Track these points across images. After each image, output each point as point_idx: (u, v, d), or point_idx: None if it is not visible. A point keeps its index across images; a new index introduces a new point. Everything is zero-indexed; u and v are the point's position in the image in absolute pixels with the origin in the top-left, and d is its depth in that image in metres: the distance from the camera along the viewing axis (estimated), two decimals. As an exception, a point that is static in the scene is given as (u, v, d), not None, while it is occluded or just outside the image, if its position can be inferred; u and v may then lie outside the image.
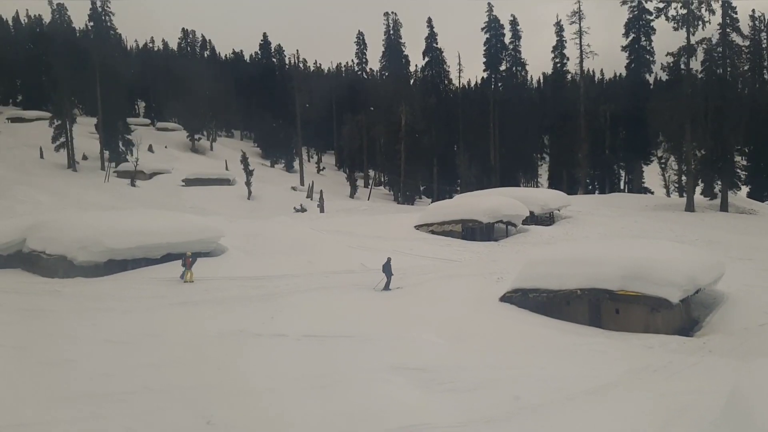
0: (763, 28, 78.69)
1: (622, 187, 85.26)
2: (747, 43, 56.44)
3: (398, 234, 42.26)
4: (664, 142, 61.79)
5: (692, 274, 23.89)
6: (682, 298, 23.16)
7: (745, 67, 57.56)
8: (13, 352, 18.51)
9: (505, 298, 26.38)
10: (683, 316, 25.09)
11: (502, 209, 41.80)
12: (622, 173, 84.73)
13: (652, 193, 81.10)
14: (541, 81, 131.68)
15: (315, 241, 35.78)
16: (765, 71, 77.25)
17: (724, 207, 55.68)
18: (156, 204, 70.70)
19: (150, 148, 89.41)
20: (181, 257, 28.91)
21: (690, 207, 54.98)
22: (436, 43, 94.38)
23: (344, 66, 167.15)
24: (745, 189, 66.46)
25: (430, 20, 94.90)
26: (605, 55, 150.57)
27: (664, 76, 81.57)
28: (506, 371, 18.72)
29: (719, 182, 58.24)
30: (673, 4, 53.73)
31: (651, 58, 77.67)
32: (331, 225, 46.76)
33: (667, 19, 54.54)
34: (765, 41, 78.32)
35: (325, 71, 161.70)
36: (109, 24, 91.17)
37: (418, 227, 43.93)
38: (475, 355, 20.14)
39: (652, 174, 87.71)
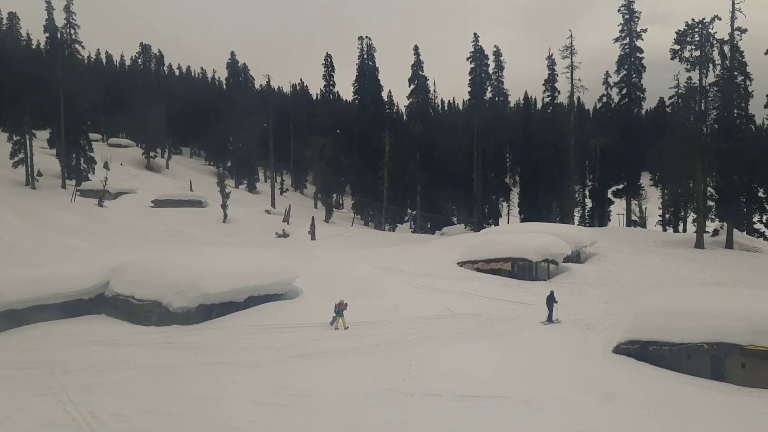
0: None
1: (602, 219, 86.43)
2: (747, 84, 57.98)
3: (446, 271, 41.39)
4: (671, 179, 63.22)
5: (817, 329, 23.82)
6: (811, 353, 23.10)
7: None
8: (173, 420, 16.92)
9: (620, 350, 25.82)
10: (797, 369, 24.99)
11: (550, 248, 41.45)
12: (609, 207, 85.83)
13: (645, 226, 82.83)
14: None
15: (379, 280, 34.48)
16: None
17: (729, 244, 57.09)
18: (129, 226, 68.26)
19: (106, 165, 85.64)
20: (261, 301, 27.63)
21: (700, 244, 56.15)
22: (422, 71, 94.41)
23: (299, 85, 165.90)
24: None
25: (416, 48, 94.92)
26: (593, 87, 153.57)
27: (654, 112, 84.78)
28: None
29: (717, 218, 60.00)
30: (688, 47, 55.25)
31: (642, 95, 79.72)
32: (360, 258, 45.41)
33: (681, 60, 56.03)
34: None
35: (276, 89, 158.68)
36: (74, 37, 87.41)
37: (461, 264, 43.11)
38: (648, 422, 19.33)
39: (618, 207, 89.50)
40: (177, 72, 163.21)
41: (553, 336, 28.13)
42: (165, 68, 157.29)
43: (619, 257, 48.31)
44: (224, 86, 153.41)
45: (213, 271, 26.51)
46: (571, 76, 77.76)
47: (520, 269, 41.94)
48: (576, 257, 47.83)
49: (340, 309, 26.25)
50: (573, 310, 32.46)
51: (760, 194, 69.34)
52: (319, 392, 19.66)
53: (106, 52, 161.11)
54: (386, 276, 35.93)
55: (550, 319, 29.40)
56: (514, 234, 46.94)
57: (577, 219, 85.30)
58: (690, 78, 74.92)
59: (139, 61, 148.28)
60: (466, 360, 23.43)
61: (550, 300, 29.63)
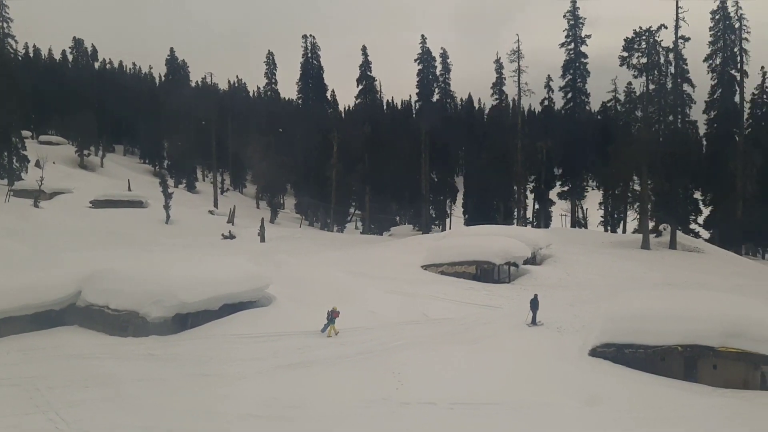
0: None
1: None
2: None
3: (411, 275, 41.53)
4: (617, 182, 65.51)
5: (784, 331, 24.88)
6: (781, 354, 24.12)
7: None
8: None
9: (596, 353, 26.33)
10: (763, 369, 26.08)
11: (512, 250, 42.11)
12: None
13: (587, 227, 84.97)
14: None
15: (351, 285, 34.40)
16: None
17: (672, 245, 59.19)
18: (68, 228, 65.89)
19: (38, 164, 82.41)
20: (235, 308, 27.19)
21: (646, 245, 58.01)
22: (370, 71, 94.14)
23: (236, 83, 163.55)
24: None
25: (364, 48, 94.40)
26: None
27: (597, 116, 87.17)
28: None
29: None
30: (635, 54, 57.04)
31: (586, 99, 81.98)
32: (322, 261, 45.11)
33: (629, 67, 57.85)
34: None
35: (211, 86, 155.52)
36: (6, 31, 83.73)
37: (426, 267, 43.30)
38: (636, 426, 19.83)
39: (557, 208, 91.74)
40: (109, 67, 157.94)
41: (529, 339, 28.53)
42: (98, 63, 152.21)
43: (573, 258, 49.48)
44: (157, 83, 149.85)
45: (188, 278, 25.81)
46: (518, 80, 79.29)
47: (484, 272, 42.45)
48: (532, 259, 48.64)
49: (332, 316, 26.02)
50: (541, 312, 32.79)
51: (696, 196, 72.67)
52: (313, 403, 19.44)
53: (34, 46, 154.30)
54: (357, 281, 35.82)
55: (533, 322, 29.97)
56: (476, 237, 47.44)
57: (517, 221, 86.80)
58: (630, 83, 77.92)
59: (69, 56, 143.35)
60: (452, 366, 23.59)
61: (534, 303, 30.17)
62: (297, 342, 25.16)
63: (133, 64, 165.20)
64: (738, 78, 72.23)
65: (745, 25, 71.45)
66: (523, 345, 27.68)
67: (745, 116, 75.25)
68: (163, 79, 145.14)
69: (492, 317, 32.14)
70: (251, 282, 28.62)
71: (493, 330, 29.76)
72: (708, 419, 20.53)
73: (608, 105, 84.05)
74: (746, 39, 71.62)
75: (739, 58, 71.81)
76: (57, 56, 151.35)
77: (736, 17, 71.33)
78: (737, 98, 73.04)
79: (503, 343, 27.66)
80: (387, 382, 21.46)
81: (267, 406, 18.94)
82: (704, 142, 76.69)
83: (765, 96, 78.25)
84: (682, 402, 22.03)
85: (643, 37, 56.94)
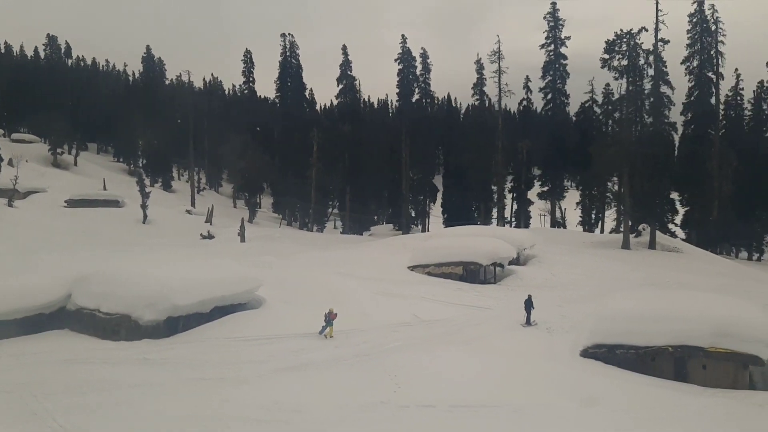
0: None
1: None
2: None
3: (398, 275, 41.46)
4: (597, 183, 66.21)
5: (774, 331, 25.32)
6: (769, 354, 24.55)
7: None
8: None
9: (588, 354, 26.61)
10: (749, 369, 26.49)
11: (499, 251, 42.28)
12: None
13: (566, 227, 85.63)
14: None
15: (341, 287, 34.28)
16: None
17: (652, 245, 59.97)
18: (44, 228, 64.85)
19: (11, 162, 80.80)
20: (226, 311, 26.95)
21: (626, 245, 58.75)
22: (351, 71, 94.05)
23: (211, 81, 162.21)
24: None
25: (344, 48, 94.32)
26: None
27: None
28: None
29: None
30: (616, 56, 57.73)
31: (566, 100, 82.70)
32: (307, 261, 44.89)
33: (610, 69, 58.51)
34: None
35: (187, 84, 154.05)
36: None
37: (412, 268, 43.28)
38: (635, 426, 20.04)
39: (535, 208, 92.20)
40: (82, 64, 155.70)
41: (521, 340, 28.71)
42: (71, 60, 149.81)
43: (556, 258, 49.75)
44: (130, 80, 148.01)
45: (180, 281, 25.53)
46: (499, 80, 79.59)
47: (470, 273, 42.55)
48: (516, 260, 48.86)
49: (330, 318, 25.94)
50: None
51: (673, 196, 73.64)
52: (314, 407, 19.33)
53: (5, 42, 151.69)
54: (345, 282, 35.67)
55: (528, 322, 30.23)
56: (462, 237, 47.54)
57: (496, 221, 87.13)
58: (608, 85, 78.81)
59: (41, 53, 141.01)
60: (448, 368, 23.61)
61: (528, 304, 30.46)
62: (291, 344, 25.02)
63: (106, 61, 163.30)
64: (714, 80, 73.68)
65: (721, 28, 73.02)
66: (516, 346, 27.83)
67: (720, 117, 76.88)
68: (138, 76, 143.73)
69: (482, 318, 32.25)
70: (242, 284, 28.41)
71: (484, 331, 29.85)
72: (702, 419, 20.81)
73: (586, 106, 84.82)
74: (722, 42, 73.22)
75: (715, 60, 73.29)
76: (29, 53, 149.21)
77: (713, 20, 72.70)
78: (713, 100, 74.86)
79: (496, 345, 27.78)
80: (384, 384, 21.44)
81: (269, 410, 18.80)
82: (677, 143, 78.00)
83: (739, 98, 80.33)
84: (675, 402, 22.29)
85: (624, 40, 57.64)
